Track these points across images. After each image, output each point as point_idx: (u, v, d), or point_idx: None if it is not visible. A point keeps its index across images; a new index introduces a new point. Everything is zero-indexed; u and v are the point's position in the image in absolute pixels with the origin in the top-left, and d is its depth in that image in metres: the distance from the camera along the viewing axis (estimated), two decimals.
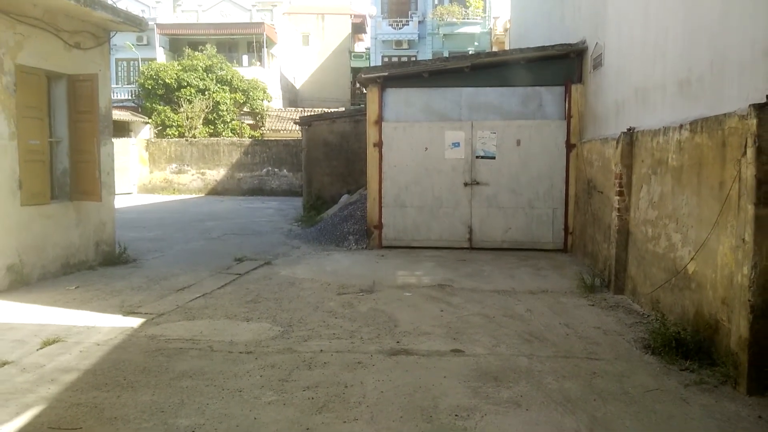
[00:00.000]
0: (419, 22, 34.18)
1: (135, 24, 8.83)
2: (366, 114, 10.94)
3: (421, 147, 10.35)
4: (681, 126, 5.52)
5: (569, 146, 10.08)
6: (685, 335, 4.84)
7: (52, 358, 4.82)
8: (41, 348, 5.07)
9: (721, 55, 4.88)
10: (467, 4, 33.19)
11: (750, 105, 4.03)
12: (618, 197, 7.10)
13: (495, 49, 32.75)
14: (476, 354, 4.90)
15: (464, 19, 33.14)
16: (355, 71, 42.68)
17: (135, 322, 5.87)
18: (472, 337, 5.35)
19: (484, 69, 10.33)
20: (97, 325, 5.77)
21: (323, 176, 16.15)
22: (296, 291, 7.22)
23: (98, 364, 4.68)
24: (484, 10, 33.49)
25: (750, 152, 4.01)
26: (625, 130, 7.03)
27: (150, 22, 28.52)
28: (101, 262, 8.85)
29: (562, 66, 10.05)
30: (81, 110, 8.19)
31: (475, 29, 33.36)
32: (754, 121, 3.95)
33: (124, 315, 6.13)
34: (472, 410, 3.81)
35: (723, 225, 4.59)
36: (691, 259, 5.16)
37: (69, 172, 8.35)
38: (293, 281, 7.78)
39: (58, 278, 7.95)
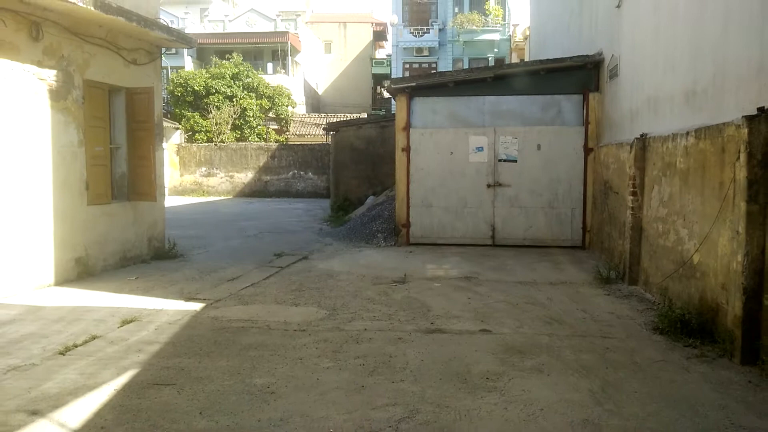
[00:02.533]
0: (440, 29, 34.83)
1: (186, 42, 9.67)
2: (391, 120, 11.66)
3: (446, 151, 11.03)
4: (687, 133, 6.12)
5: (587, 150, 10.68)
6: (690, 317, 5.44)
7: (133, 334, 5.58)
8: (121, 326, 5.83)
9: (722, 71, 5.49)
10: (487, 12, 33.79)
11: (743, 116, 4.65)
12: (632, 197, 7.70)
13: (515, 55, 33.32)
14: (502, 333, 5.56)
15: (484, 26, 33.71)
16: (377, 77, 43.56)
17: (196, 306, 6.63)
18: (498, 320, 6.01)
19: (506, 79, 10.99)
20: (164, 308, 6.53)
21: (350, 179, 16.88)
22: (335, 282, 7.93)
23: (174, 338, 5.43)
24: (504, 18, 34.06)
25: (743, 157, 4.62)
26: (639, 136, 7.63)
27: None
28: (153, 257, 9.66)
29: (580, 75, 10.67)
30: (138, 120, 9.03)
31: (495, 36, 33.92)
32: (746, 131, 4.56)
33: (185, 300, 6.89)
34: (500, 375, 4.47)
35: (722, 220, 5.19)
36: (696, 250, 5.76)
37: (127, 175, 9.17)
38: (331, 273, 8.50)
39: (118, 270, 8.76)
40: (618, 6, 9.13)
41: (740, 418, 3.68)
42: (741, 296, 4.61)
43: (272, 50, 36.40)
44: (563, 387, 4.22)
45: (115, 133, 9.12)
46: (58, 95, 7.73)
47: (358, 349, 5.09)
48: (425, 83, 11.27)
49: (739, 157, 4.71)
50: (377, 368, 4.61)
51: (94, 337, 5.44)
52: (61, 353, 4.98)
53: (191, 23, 37.89)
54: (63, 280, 7.80)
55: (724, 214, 5.15)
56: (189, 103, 29.15)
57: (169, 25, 9.29)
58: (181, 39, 9.57)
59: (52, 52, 7.59)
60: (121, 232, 8.98)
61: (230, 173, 26.27)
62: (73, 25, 7.88)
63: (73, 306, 6.63)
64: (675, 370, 4.56)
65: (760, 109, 4.54)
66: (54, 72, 7.64)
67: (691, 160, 6.04)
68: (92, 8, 7.45)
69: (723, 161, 5.24)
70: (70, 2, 7.15)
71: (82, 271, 8.15)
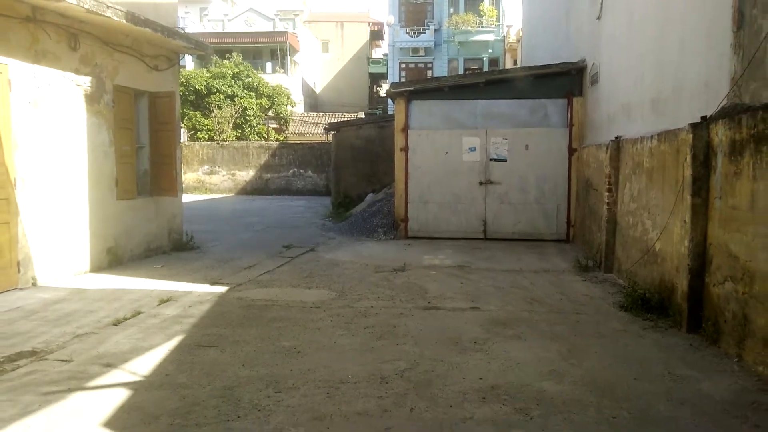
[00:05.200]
0: (435, 30, 35.72)
1: (202, 48, 10.52)
2: (390, 120, 12.53)
3: (442, 151, 11.92)
4: (652, 136, 7.03)
5: (571, 151, 11.60)
6: (650, 296, 6.36)
7: (170, 310, 6.44)
8: (159, 304, 6.69)
9: (679, 83, 6.40)
10: (482, 12, 34.69)
11: (689, 123, 5.56)
12: (608, 193, 8.61)
13: (508, 56, 34.22)
14: (489, 310, 6.47)
15: (479, 27, 34.63)
16: (373, 77, 44.44)
17: (221, 288, 7.50)
18: (486, 300, 6.91)
19: (497, 84, 11.90)
20: (193, 290, 7.40)
21: (350, 177, 17.74)
22: (341, 269, 8.81)
23: (208, 314, 6.30)
24: (498, 19, 34.98)
25: (688, 158, 5.54)
26: (614, 138, 8.55)
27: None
28: (173, 248, 10.51)
29: (565, 81, 11.59)
30: (161, 121, 9.88)
31: (489, 37, 34.85)
32: (690, 136, 5.47)
33: (210, 284, 7.76)
34: (485, 340, 5.37)
35: (676, 212, 6.10)
36: (657, 239, 6.67)
37: (149, 172, 10.03)
38: (336, 262, 9.38)
39: (143, 260, 9.62)
40: (598, 18, 10.03)
41: (676, 370, 4.58)
42: (687, 275, 5.52)
43: (271, 49, 37.23)
44: (537, 349, 5.12)
45: (138, 134, 9.96)
46: (92, 99, 8.57)
47: (367, 321, 5.98)
48: (422, 87, 12.16)
49: (686, 158, 5.61)
50: (384, 335, 5.50)
51: (138, 312, 6.30)
52: (114, 324, 5.84)
53: (191, 22, 38.61)
54: (96, 268, 8.65)
55: (678, 207, 6.05)
56: (191, 102, 29.92)
57: (188, 34, 10.09)
58: (199, 46, 10.42)
59: (87, 60, 8.43)
60: (145, 225, 9.83)
61: (232, 171, 27.09)
62: (104, 35, 8.70)
63: (111, 288, 7.50)
64: (631, 337, 5.48)
65: (703, 118, 5.45)
66: (89, 78, 8.47)
67: (654, 161, 6.95)
68: (124, 21, 8.30)
69: (678, 161, 6.14)
70: (105, 16, 7.99)
71: (112, 260, 9.01)
